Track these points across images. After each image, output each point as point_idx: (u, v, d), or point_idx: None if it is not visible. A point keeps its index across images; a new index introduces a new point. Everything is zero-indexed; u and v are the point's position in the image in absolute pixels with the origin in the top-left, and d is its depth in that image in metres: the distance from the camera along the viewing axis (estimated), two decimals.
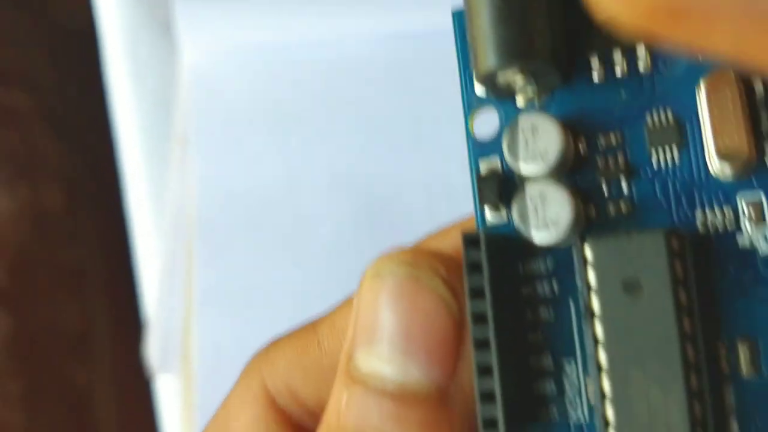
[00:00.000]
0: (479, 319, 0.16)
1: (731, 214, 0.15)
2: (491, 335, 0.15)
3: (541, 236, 0.16)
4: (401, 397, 0.16)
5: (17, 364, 0.60)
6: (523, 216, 0.16)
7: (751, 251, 0.15)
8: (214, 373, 0.41)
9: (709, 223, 0.15)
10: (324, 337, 0.20)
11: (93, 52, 0.49)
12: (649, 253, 0.15)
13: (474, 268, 0.16)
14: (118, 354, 0.63)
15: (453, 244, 0.19)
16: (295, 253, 0.41)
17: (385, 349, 0.16)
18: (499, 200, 0.17)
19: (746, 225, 0.15)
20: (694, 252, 0.15)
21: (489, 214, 0.17)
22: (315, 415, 0.20)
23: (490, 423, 0.15)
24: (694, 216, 0.16)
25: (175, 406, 0.44)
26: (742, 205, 0.15)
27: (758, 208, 0.15)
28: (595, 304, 0.15)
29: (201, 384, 0.41)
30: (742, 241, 0.15)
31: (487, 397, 0.15)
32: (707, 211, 0.15)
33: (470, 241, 0.16)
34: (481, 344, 0.15)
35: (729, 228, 0.15)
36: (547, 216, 0.16)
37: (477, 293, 0.16)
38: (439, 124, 0.42)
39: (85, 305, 0.64)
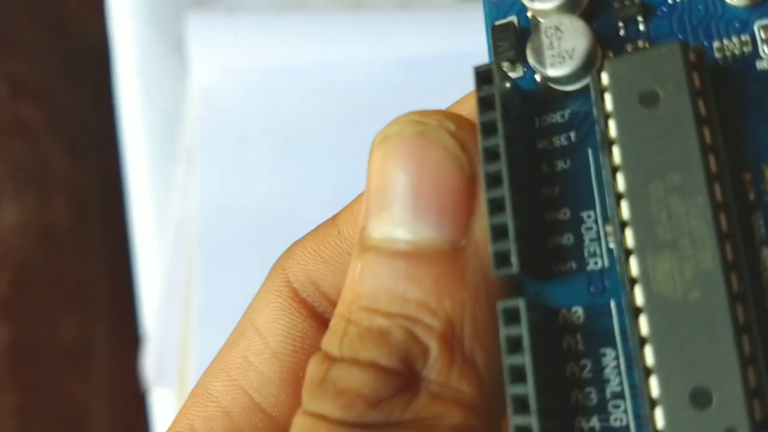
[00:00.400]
0: (492, 156, 0.15)
1: (749, 40, 0.15)
2: (504, 171, 0.15)
3: (556, 69, 0.15)
4: (414, 256, 0.15)
5: (13, 375, 0.60)
6: (539, 53, 0.16)
7: None
8: None
9: (726, 51, 0.15)
10: (342, 225, 0.20)
11: (105, 69, 0.49)
12: (666, 64, 0.14)
13: (486, 104, 0.15)
14: (115, 368, 0.63)
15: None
16: None
17: (396, 211, 0.15)
18: (512, 48, 0.16)
19: (764, 49, 0.15)
20: (713, 80, 0.15)
21: (506, 70, 0.17)
22: (335, 303, 0.19)
23: (503, 259, 0.15)
24: (711, 47, 0.15)
25: (170, 420, 0.44)
26: (759, 31, 0.15)
27: None
28: (612, 128, 0.15)
29: None
30: (761, 65, 0.15)
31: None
32: (724, 41, 0.15)
33: (482, 75, 0.15)
34: (494, 180, 0.15)
35: (747, 54, 0.15)
36: (562, 48, 0.15)
37: (490, 129, 0.15)
38: None
39: (84, 318, 0.64)
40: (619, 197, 0.14)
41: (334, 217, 0.20)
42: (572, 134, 0.16)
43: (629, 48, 0.16)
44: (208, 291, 0.42)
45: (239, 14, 0.44)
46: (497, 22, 0.17)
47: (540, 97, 0.16)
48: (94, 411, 0.63)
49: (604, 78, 0.15)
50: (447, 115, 0.16)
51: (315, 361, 0.16)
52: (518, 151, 0.15)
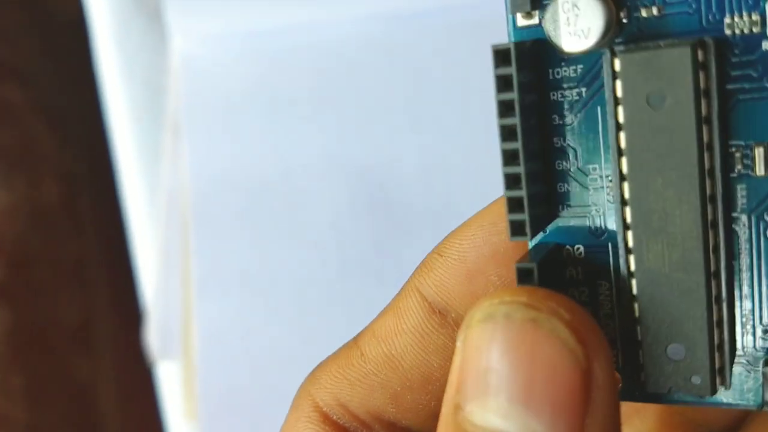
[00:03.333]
0: (510, 134, 0.16)
1: (759, 18, 0.15)
2: (520, 147, 0.16)
3: (571, 45, 0.16)
4: None
5: (18, 358, 0.60)
6: (555, 24, 0.16)
7: None
8: (215, 358, 0.41)
9: (736, 27, 0.16)
10: (365, 346, 0.20)
11: (85, 44, 0.49)
12: (676, 67, 0.15)
13: (504, 82, 0.16)
14: (119, 344, 0.63)
15: (475, 240, 0.19)
16: (291, 237, 0.42)
17: (504, 402, 0.15)
18: (529, 2, 0.17)
19: None
20: (718, 58, 0.16)
21: (520, 20, 0.17)
22: (366, 423, 0.20)
23: (519, 228, 0.16)
24: (722, 21, 0.16)
25: (176, 392, 0.45)
26: None
27: None
28: (621, 114, 0.16)
29: (202, 368, 0.41)
30: (766, 44, 0.15)
31: (516, 203, 0.16)
32: (735, 17, 0.16)
33: (501, 54, 0.16)
34: (510, 156, 0.16)
35: (755, 31, 0.15)
36: (578, 26, 0.16)
37: (507, 108, 0.16)
38: (434, 104, 0.42)
39: (84, 297, 0.64)
40: (622, 178, 0.16)
41: (355, 340, 0.20)
42: (583, 90, 0.17)
43: (644, 12, 0.16)
44: (205, 260, 0.42)
45: None
46: None
47: (554, 49, 0.17)
48: (100, 388, 0.63)
49: (617, 65, 0.16)
50: (560, 301, 0.15)
51: None
52: (533, 100, 0.17)
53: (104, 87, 0.46)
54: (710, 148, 0.16)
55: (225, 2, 0.42)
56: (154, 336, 0.44)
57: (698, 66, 0.15)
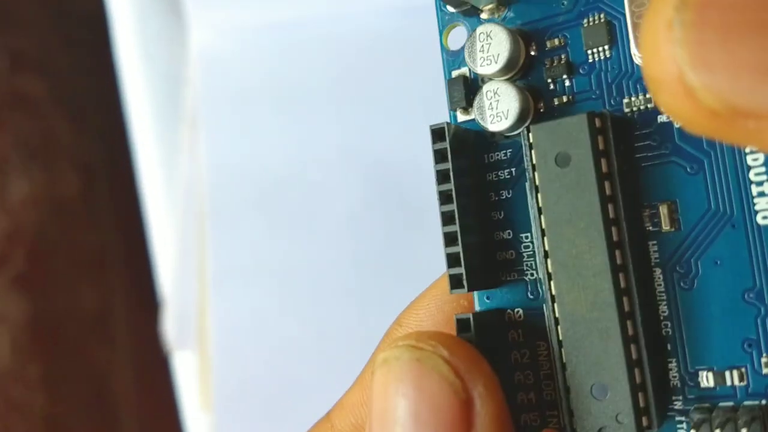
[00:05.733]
0: (446, 199, 0.19)
1: (651, 97, 0.18)
2: (456, 210, 0.19)
3: (495, 126, 0.19)
4: None
5: (37, 347, 0.61)
6: (481, 110, 0.19)
7: (669, 124, 0.18)
8: (230, 348, 0.41)
9: (633, 106, 0.18)
10: (335, 419, 0.22)
11: (104, 36, 0.49)
12: (575, 131, 0.18)
13: (441, 156, 0.19)
14: (137, 333, 0.64)
15: (426, 314, 0.21)
16: (305, 230, 0.42)
17: None
18: (464, 100, 0.20)
19: None
20: (620, 131, 0.18)
21: (459, 116, 0.20)
22: None
23: (457, 282, 0.19)
24: (621, 102, 0.19)
25: (192, 382, 0.45)
26: None
27: None
28: (537, 178, 0.18)
29: (218, 359, 0.41)
30: (661, 117, 0.18)
31: (454, 259, 0.19)
32: (632, 97, 0.18)
33: (436, 133, 0.19)
34: (448, 219, 0.19)
35: (649, 107, 0.18)
36: (499, 109, 0.19)
37: (444, 177, 0.19)
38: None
39: (103, 287, 0.64)
40: (543, 233, 0.18)
41: (327, 415, 0.22)
42: (513, 170, 0.20)
43: (556, 101, 0.19)
44: (221, 252, 0.42)
45: None
46: (453, 74, 0.20)
47: (488, 137, 0.20)
48: (118, 377, 0.64)
49: (531, 137, 0.18)
50: (441, 339, 0.18)
51: None
52: (469, 182, 0.19)
53: (123, 79, 0.47)
54: (613, 200, 0.18)
55: None
56: (171, 326, 0.45)
57: (595, 130, 0.18)
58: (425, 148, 0.44)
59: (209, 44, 0.42)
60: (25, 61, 0.64)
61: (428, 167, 0.43)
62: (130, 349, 0.64)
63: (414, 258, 0.41)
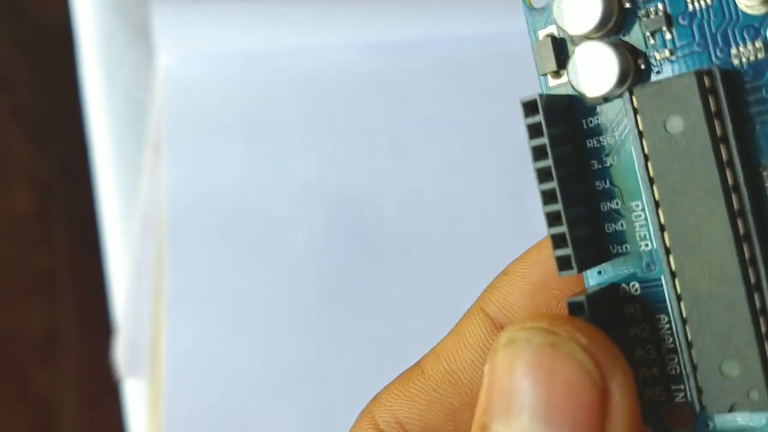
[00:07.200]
0: (545, 176, 0.18)
1: (761, 45, 0.17)
2: (557, 187, 0.17)
3: (593, 90, 0.18)
4: None
5: None
6: (576, 75, 0.18)
7: None
8: (183, 377, 0.41)
9: (742, 57, 0.17)
10: (426, 364, 0.21)
11: (68, 53, 0.49)
12: (684, 94, 0.16)
13: (536, 130, 0.18)
14: (85, 358, 0.62)
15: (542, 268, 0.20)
16: (265, 259, 0.41)
17: (526, 421, 0.16)
18: (555, 63, 0.18)
19: None
20: (730, 86, 0.17)
21: (551, 80, 0.19)
22: None
23: (565, 263, 0.17)
24: (729, 53, 0.17)
25: (142, 410, 0.44)
26: None
27: None
28: (645, 145, 0.17)
29: (169, 388, 0.41)
30: None
31: (560, 239, 0.17)
32: (740, 47, 0.17)
33: (528, 106, 0.18)
34: (550, 197, 0.18)
35: (759, 57, 0.17)
36: (597, 70, 0.18)
37: (540, 153, 0.18)
38: (412, 133, 0.42)
39: (51, 308, 0.63)
40: (657, 205, 0.17)
41: (419, 361, 0.21)
42: (615, 134, 0.18)
43: (657, 56, 0.18)
44: (178, 279, 0.41)
45: None
46: (539, 34, 0.19)
47: (585, 101, 0.18)
48: (62, 401, 0.62)
49: (635, 102, 0.17)
50: (578, 326, 0.17)
51: None
52: (568, 152, 0.18)
53: (85, 98, 0.46)
54: (731, 164, 0.17)
55: (212, 22, 0.43)
56: (122, 352, 0.44)
57: (706, 91, 0.16)
58: (389, 183, 0.44)
59: (176, 69, 0.42)
60: None
61: (391, 203, 0.43)
62: (77, 374, 0.63)
63: (373, 291, 0.41)
